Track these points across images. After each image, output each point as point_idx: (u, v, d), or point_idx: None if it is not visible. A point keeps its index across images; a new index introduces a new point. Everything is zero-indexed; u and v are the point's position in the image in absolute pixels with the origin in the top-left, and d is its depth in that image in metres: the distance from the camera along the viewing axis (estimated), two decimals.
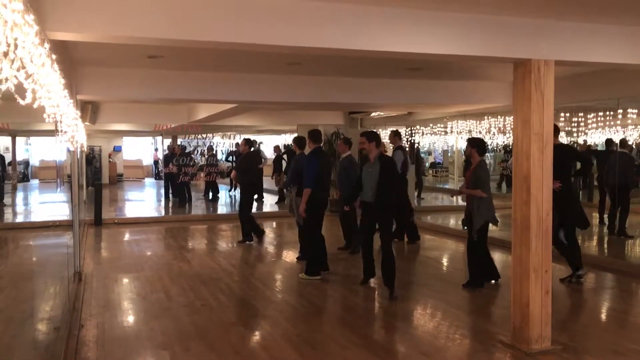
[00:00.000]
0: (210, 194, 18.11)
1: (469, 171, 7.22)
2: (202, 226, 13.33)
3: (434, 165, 25.61)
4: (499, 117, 13.63)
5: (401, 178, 9.47)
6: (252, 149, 11.72)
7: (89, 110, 11.60)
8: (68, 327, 5.36)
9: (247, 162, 10.77)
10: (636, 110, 10.75)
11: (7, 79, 2.17)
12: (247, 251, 10.14)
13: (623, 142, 10.68)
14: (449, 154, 22.58)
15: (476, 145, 7.04)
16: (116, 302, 6.74)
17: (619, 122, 11.26)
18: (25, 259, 10.33)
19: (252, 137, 22.61)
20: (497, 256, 8.44)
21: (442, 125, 15.37)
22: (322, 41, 4.35)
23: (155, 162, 30.44)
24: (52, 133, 5.66)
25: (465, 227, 7.30)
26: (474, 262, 7.10)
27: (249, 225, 10.51)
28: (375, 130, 7.33)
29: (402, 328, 5.71)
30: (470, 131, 14.93)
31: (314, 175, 7.69)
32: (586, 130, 11.82)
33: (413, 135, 15.89)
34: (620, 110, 10.33)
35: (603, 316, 6.45)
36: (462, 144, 14.78)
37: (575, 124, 11.88)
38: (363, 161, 8.63)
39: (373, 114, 14.36)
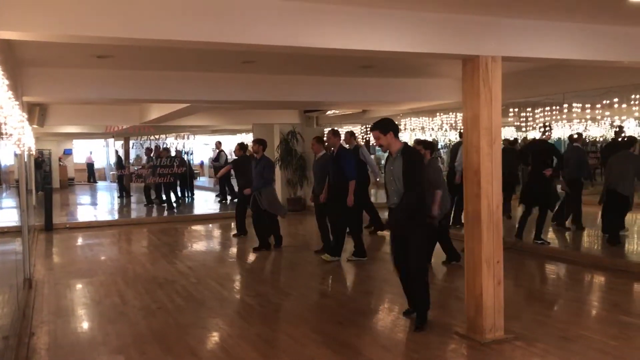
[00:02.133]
0: (185, 196, 17.84)
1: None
2: (156, 228, 13.12)
3: None
4: (450, 113, 13.89)
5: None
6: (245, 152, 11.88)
7: (37, 113, 11.27)
8: (17, 336, 5.19)
9: (242, 165, 11.06)
10: (581, 105, 11.12)
11: None
12: (205, 253, 10.04)
13: (576, 136, 10.80)
14: None
15: (429, 146, 7.70)
16: (69, 308, 6.57)
17: (564, 116, 11.63)
18: None
19: (209, 137, 22.24)
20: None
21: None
22: (274, 39, 4.34)
23: (89, 165, 29.68)
24: None
25: None
26: (444, 243, 8.15)
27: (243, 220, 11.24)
28: (389, 118, 5.66)
29: (360, 323, 5.75)
30: (423, 128, 15.16)
31: (354, 169, 8.46)
32: (534, 125, 12.15)
33: (368, 133, 16.06)
34: (565, 105, 10.67)
35: (553, 305, 6.65)
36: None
37: (524, 119, 12.21)
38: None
39: (328, 112, 14.44)
